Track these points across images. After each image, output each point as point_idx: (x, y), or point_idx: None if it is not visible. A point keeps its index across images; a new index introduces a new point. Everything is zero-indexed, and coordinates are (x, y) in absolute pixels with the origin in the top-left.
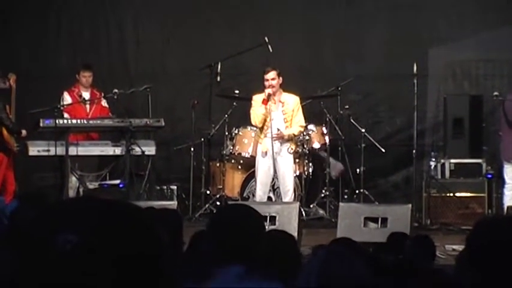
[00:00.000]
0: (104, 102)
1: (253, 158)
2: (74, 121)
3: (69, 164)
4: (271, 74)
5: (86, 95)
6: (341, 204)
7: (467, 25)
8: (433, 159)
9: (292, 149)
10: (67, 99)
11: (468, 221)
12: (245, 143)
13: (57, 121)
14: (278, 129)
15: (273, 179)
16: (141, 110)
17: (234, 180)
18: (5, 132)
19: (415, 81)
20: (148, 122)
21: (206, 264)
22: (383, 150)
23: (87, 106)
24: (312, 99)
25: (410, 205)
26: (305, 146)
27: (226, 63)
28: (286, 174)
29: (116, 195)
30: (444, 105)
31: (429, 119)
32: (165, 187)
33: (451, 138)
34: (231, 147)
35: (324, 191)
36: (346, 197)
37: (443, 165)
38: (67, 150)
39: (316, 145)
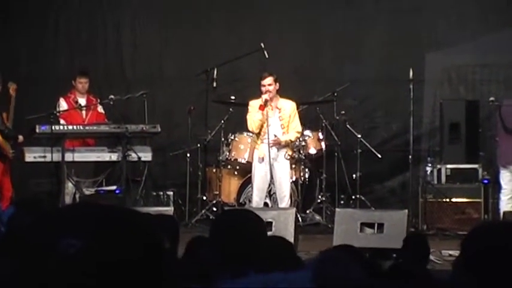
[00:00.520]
0: (100, 108)
1: (249, 164)
2: (70, 127)
3: (66, 170)
4: (268, 80)
5: (82, 101)
6: (337, 209)
7: (465, 30)
8: (429, 165)
9: (289, 155)
10: (63, 105)
11: (464, 226)
12: (241, 148)
13: (53, 127)
14: (275, 136)
15: (269, 185)
16: (137, 116)
17: (230, 186)
18: (0, 138)
19: (411, 86)
20: (144, 128)
21: (206, 269)
22: (379, 156)
23: (83, 112)
24: (308, 105)
25: (406, 210)
26: (301, 151)
27: (222, 68)
28: (282, 180)
29: (113, 201)
30: (440, 110)
31: (425, 124)
32: (161, 193)
33: (447, 144)
34: (227, 153)
35: (320, 196)
36: (342, 202)
37: (439, 170)
38: (63, 156)
39: (313, 151)
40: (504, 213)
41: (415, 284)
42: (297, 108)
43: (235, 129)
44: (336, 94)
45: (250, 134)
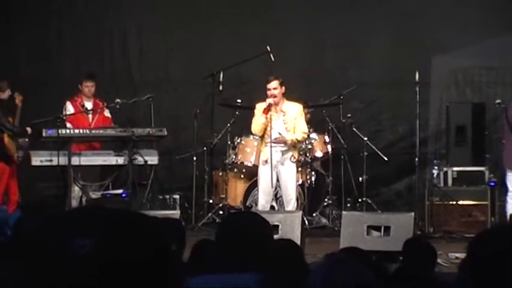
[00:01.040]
0: (106, 112)
1: (255, 167)
2: (77, 131)
3: (72, 174)
4: (274, 84)
5: (89, 104)
6: (344, 212)
7: (470, 32)
8: (436, 167)
9: (294, 157)
10: (69, 109)
11: (471, 229)
12: (247, 152)
13: (59, 131)
14: (279, 133)
15: (275, 188)
16: (143, 120)
17: (236, 189)
18: (5, 139)
19: (417, 89)
20: (150, 132)
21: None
22: (385, 159)
23: (90, 116)
24: (314, 108)
25: (413, 213)
26: (307, 154)
27: (228, 72)
28: (288, 183)
29: (119, 205)
30: (447, 113)
31: (431, 126)
32: (167, 196)
33: (453, 146)
34: (234, 156)
35: (326, 199)
36: (348, 205)
37: (445, 173)
38: (69, 160)
39: (319, 153)
40: (511, 215)
41: (421, 286)
42: (304, 110)
43: (242, 132)
44: (342, 97)
45: (257, 137)
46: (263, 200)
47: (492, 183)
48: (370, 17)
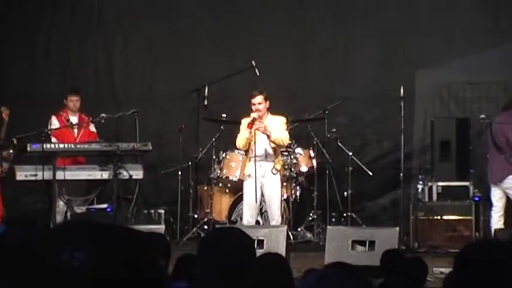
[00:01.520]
0: (92, 127)
1: (240, 182)
2: (62, 145)
3: (57, 189)
4: (258, 99)
5: (74, 119)
6: (329, 227)
7: (455, 48)
8: (421, 182)
9: (276, 170)
10: (55, 123)
11: (456, 244)
12: (232, 166)
13: (44, 145)
14: (264, 125)
15: (260, 203)
16: (128, 134)
17: (221, 203)
18: None
19: (402, 104)
20: (135, 146)
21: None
22: (370, 173)
23: (75, 130)
24: (299, 123)
25: (397, 228)
26: (292, 169)
27: (213, 86)
28: (273, 198)
29: (104, 220)
30: (431, 128)
31: (416, 141)
32: (152, 211)
33: (438, 161)
34: (219, 171)
35: (311, 214)
36: (333, 220)
37: (430, 188)
38: (54, 175)
39: (304, 168)
40: (495, 230)
41: None
42: (288, 126)
43: (227, 147)
44: (327, 112)
45: (242, 152)
46: (248, 214)
47: (477, 198)
48: (355, 32)
